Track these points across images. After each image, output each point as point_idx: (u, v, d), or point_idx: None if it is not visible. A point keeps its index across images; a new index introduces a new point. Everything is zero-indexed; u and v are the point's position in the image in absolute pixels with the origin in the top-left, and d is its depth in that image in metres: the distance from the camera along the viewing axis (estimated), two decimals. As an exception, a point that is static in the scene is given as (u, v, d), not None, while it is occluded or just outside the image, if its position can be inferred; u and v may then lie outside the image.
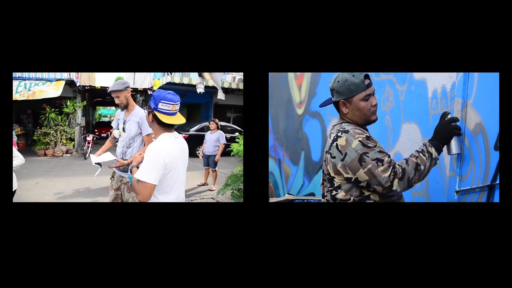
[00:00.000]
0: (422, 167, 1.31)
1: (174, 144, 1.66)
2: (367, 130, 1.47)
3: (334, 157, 1.38)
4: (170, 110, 1.62)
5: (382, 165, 1.29)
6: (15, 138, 9.00)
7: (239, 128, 10.85)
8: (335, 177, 1.40)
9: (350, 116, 1.44)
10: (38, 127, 9.30)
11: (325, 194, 1.48)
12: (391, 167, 1.29)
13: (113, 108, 23.69)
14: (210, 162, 5.75)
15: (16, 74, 8.07)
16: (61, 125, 9.39)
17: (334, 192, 1.41)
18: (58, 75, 8.66)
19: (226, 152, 5.36)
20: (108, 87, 3.54)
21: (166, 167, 1.58)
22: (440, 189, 1.66)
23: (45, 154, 9.06)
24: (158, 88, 11.32)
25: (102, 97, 14.13)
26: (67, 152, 9.48)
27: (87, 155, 8.71)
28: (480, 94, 1.43)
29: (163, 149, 1.59)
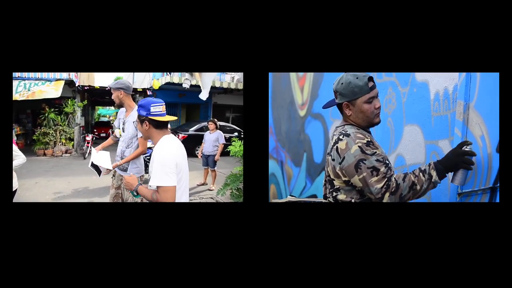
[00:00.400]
0: (418, 187, 1.28)
1: (176, 144, 1.69)
2: (370, 132, 1.46)
3: (334, 160, 1.38)
4: (161, 111, 1.68)
5: (377, 175, 1.28)
6: (14, 138, 8.98)
7: (238, 128, 10.83)
8: (334, 179, 1.40)
9: (353, 118, 1.44)
10: (38, 127, 9.27)
11: (327, 195, 1.48)
12: (386, 179, 1.27)
13: (112, 108, 23.68)
14: (209, 162, 5.76)
15: (16, 74, 8.05)
16: (60, 125, 9.38)
17: (335, 194, 1.41)
18: (57, 75, 8.64)
19: (225, 152, 5.36)
20: (107, 87, 3.65)
21: (177, 166, 1.60)
22: (442, 192, 1.65)
23: (44, 154, 9.05)
24: (155, 90, 11.30)
25: (101, 97, 14.10)
26: (66, 152, 9.47)
27: (87, 154, 8.70)
28: (482, 96, 1.42)
29: (170, 150, 1.62)
